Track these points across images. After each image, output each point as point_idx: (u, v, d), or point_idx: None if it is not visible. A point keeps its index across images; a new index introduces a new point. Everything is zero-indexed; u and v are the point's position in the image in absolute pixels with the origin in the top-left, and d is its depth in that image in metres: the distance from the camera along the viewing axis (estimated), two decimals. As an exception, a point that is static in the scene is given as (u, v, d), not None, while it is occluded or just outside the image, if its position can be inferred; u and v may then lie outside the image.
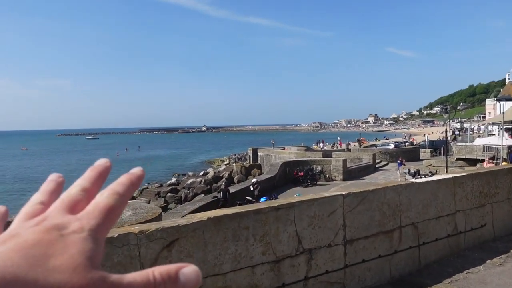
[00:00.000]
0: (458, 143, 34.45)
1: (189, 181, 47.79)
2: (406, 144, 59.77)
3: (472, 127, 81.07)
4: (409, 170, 30.20)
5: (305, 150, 48.60)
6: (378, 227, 4.48)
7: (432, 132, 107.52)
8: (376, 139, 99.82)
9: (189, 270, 0.41)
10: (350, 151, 48.42)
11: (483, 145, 31.12)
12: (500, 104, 41.65)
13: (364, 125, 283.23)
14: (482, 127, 65.37)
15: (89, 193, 0.45)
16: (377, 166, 42.06)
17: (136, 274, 0.39)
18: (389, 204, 4.65)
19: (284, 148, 52.01)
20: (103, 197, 0.44)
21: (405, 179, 30.10)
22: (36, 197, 0.46)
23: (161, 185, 49.31)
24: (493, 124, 40.79)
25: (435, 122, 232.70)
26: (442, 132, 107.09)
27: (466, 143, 39.80)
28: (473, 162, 36.15)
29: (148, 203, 40.55)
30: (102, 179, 0.49)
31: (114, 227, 3.36)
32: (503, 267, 5.41)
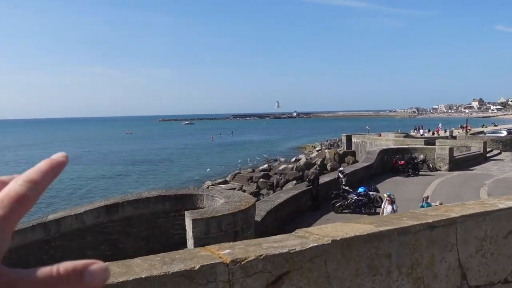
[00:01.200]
0: None
1: (281, 167, 47.24)
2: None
3: None
4: (531, 161, 26.34)
5: (404, 137, 45.35)
6: None
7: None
8: (483, 125, 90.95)
9: (96, 267, 0.39)
10: (456, 139, 44.16)
11: None
12: None
13: (467, 111, 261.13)
14: None
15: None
16: (488, 155, 37.81)
17: (39, 269, 0.38)
18: None
19: (380, 135, 49.10)
20: (15, 185, 0.41)
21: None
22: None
23: (253, 170, 49.43)
24: None
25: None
26: None
27: None
28: None
29: (241, 188, 40.86)
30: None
31: (196, 250, 2.17)
32: None
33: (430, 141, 39.36)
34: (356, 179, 25.28)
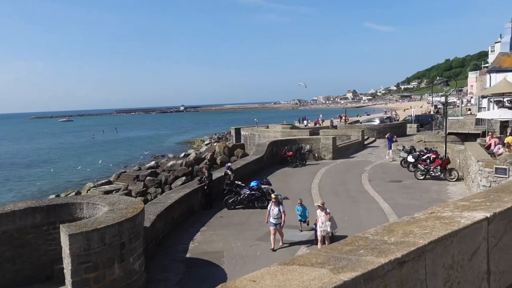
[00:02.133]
0: (450, 118, 33.06)
1: (169, 164, 45.56)
2: (394, 119, 58.36)
3: (454, 100, 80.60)
4: (403, 147, 28.68)
5: (290, 128, 46.79)
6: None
7: (411, 107, 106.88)
8: (358, 115, 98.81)
9: None
10: (336, 128, 46.82)
11: (487, 119, 29.79)
12: (490, 76, 40.40)
13: (342, 101, 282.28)
14: (472, 100, 64.71)
15: None
16: (365, 143, 40.65)
17: None
18: (537, 224, 2.80)
19: (268, 127, 50.05)
20: None
21: (400, 156, 28.67)
22: None
23: (139, 168, 46.98)
24: (482, 97, 39.60)
25: (413, 96, 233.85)
26: (421, 107, 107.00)
27: (458, 117, 38.65)
28: (464, 136, 35.06)
29: (126, 187, 38.37)
30: None
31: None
32: None
33: (314, 132, 41.06)
34: (247, 172, 25.07)
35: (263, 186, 20.08)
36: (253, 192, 19.38)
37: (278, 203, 14.32)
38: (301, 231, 15.45)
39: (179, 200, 17.18)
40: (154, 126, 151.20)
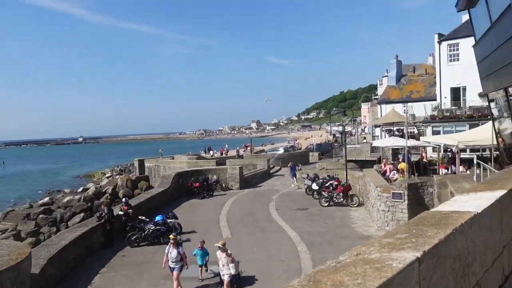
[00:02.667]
0: (348, 146, 35.01)
1: (65, 199, 42.04)
2: (296, 148, 60.48)
3: (350, 130, 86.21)
4: (307, 175, 29.56)
5: (197, 158, 46.09)
6: (454, 304, 2.51)
7: (312, 136, 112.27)
8: (263, 144, 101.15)
9: None
10: (243, 158, 47.15)
11: (381, 147, 31.91)
12: (380, 107, 43.89)
13: (247, 131, 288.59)
14: (366, 129, 69.63)
15: None
16: (271, 171, 41.36)
17: None
18: (459, 258, 2.67)
19: (173, 158, 48.82)
20: None
21: (304, 184, 29.44)
22: None
23: (31, 206, 42.67)
24: (375, 126, 42.78)
25: (313, 126, 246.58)
26: (321, 135, 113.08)
27: (355, 145, 41.08)
28: (361, 163, 37.27)
29: (15, 228, 34.43)
30: None
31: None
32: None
33: (221, 162, 40.88)
34: (152, 206, 23.88)
35: (169, 220, 19.18)
36: (158, 227, 18.37)
37: (177, 244, 13.14)
38: (202, 280, 13.77)
39: (75, 240, 15.61)
40: (49, 159, 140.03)
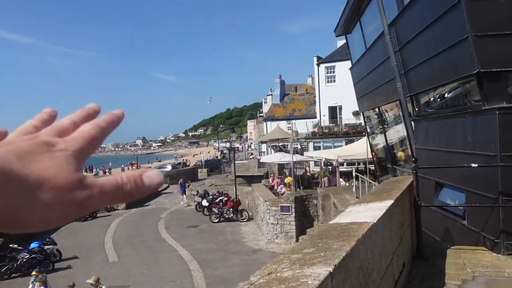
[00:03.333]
0: (236, 162, 35.65)
1: None
2: (186, 164, 59.79)
3: (237, 146, 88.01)
4: (197, 191, 29.33)
5: (77, 178, 42.87)
6: (359, 314, 2.58)
7: (201, 153, 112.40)
8: (149, 161, 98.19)
9: (152, 172, 0.48)
10: (128, 176, 45.06)
11: (268, 163, 32.96)
12: (266, 124, 45.60)
13: (132, 148, 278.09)
14: (252, 145, 71.52)
15: (77, 126, 0.51)
16: (159, 189, 40.16)
17: (107, 178, 0.47)
18: (362, 269, 2.78)
19: (50, 178, 44.80)
20: (88, 127, 0.50)
21: (194, 201, 29.11)
22: (30, 122, 0.51)
23: None
24: (261, 142, 44.30)
25: (200, 142, 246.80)
26: (209, 152, 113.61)
27: (243, 161, 41.93)
28: (249, 178, 38.15)
29: None
30: (90, 118, 0.53)
31: None
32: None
33: (104, 181, 38.53)
34: (26, 232, 21.50)
35: (46, 247, 17.43)
36: (34, 255, 16.57)
37: (44, 283, 11.60)
38: None
39: None
40: None
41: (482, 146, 5.93)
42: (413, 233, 5.66)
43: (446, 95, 7.45)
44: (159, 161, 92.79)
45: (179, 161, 71.94)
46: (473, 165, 5.73)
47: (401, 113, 9.91)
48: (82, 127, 0.50)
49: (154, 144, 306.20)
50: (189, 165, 59.48)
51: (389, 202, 4.01)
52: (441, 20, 6.40)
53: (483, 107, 5.81)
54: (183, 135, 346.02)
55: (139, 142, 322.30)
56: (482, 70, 5.56)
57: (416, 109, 8.74)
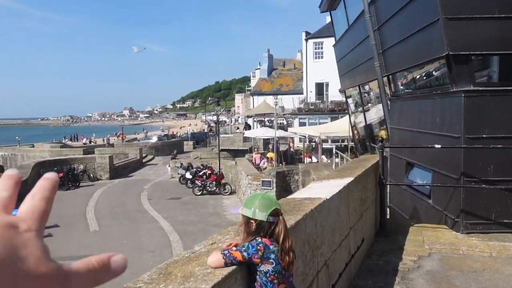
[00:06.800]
0: (221, 135, 35.70)
1: None
2: (175, 136, 59.62)
3: (224, 119, 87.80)
4: (181, 164, 29.40)
5: (61, 147, 42.64)
6: (302, 284, 2.72)
7: (190, 125, 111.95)
8: (136, 132, 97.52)
9: (118, 257, 0.49)
10: (113, 146, 44.95)
11: (253, 137, 33.06)
12: (253, 98, 45.49)
13: (119, 118, 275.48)
14: (239, 119, 71.35)
15: (11, 199, 0.48)
16: (144, 161, 40.19)
17: (80, 263, 0.46)
18: (309, 242, 2.91)
19: (33, 146, 44.47)
20: (37, 201, 0.48)
21: (178, 173, 29.20)
22: None
23: None
24: (248, 116, 44.28)
25: (188, 115, 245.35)
26: (196, 125, 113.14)
27: (229, 135, 41.98)
28: (234, 152, 38.28)
29: None
30: (18, 187, 0.50)
31: None
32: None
33: (89, 150, 38.41)
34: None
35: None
36: (13, 223, 16.61)
37: None
38: None
39: None
40: None
41: (448, 127, 6.08)
42: (377, 210, 5.84)
43: (420, 76, 7.56)
44: (145, 132, 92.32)
45: (165, 133, 71.61)
46: (436, 146, 5.88)
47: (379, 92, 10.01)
48: (29, 200, 0.47)
49: (141, 115, 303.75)
50: (177, 136, 59.35)
51: (349, 180, 4.14)
52: (416, 1, 6.43)
53: (451, 89, 5.93)
54: (171, 106, 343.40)
55: (126, 112, 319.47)
56: (451, 53, 5.65)
57: (393, 89, 8.84)
